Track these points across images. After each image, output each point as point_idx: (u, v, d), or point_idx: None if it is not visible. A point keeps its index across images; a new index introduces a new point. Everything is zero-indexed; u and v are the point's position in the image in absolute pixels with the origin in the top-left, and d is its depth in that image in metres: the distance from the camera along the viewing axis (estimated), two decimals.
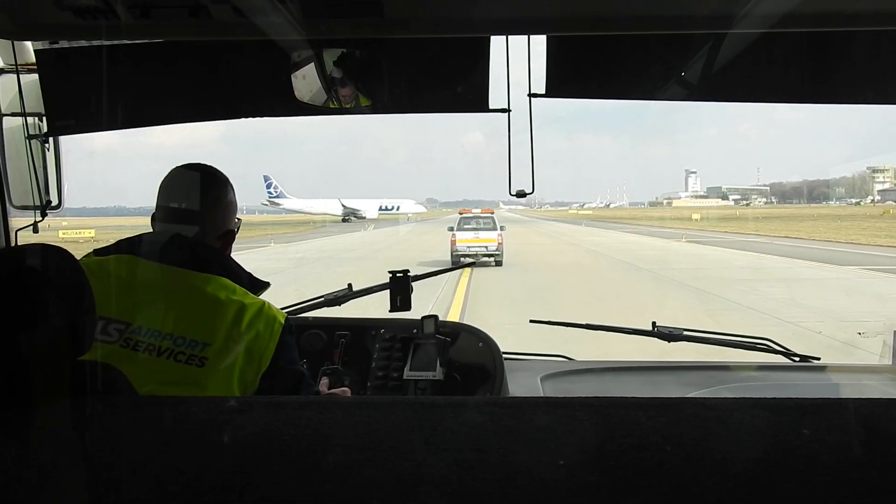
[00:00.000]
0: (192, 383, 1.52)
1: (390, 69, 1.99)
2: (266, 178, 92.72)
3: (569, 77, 2.00)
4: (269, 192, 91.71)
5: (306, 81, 1.97)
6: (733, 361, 2.65)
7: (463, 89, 2.05)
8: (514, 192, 2.05)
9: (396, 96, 2.10)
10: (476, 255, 20.47)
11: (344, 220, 76.75)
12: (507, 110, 1.99)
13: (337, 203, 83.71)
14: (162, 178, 1.77)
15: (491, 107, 2.03)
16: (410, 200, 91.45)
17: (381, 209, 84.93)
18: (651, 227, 51.44)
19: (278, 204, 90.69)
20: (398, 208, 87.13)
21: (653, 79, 2.02)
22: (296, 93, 1.97)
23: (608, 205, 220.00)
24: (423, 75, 2.08)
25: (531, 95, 1.94)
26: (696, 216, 66.77)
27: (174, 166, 1.79)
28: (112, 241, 1.74)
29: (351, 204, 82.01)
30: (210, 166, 1.80)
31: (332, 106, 2.03)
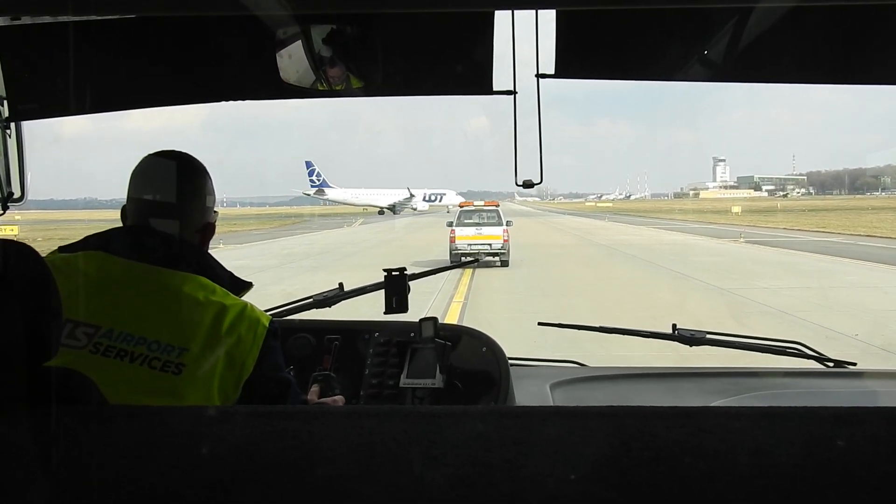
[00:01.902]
0: (168, 392, 1.53)
1: (384, 47, 1.99)
2: (308, 165, 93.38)
3: (580, 55, 2.00)
4: (312, 182, 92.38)
5: (292, 61, 1.97)
6: (761, 367, 2.66)
7: (464, 69, 2.05)
8: (520, 183, 2.06)
9: (391, 77, 2.11)
10: (478, 253, 20.02)
11: (380, 213, 78.21)
12: (513, 92, 1.99)
13: (386, 193, 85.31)
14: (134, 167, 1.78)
15: (495, 88, 2.03)
16: (452, 191, 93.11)
17: (424, 199, 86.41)
18: (689, 223, 48.64)
19: (324, 193, 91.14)
20: (441, 199, 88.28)
21: (673, 57, 2.02)
22: (281, 73, 1.97)
23: (628, 196, 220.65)
24: (420, 54, 2.09)
25: (539, 76, 1.94)
26: (736, 209, 65.53)
27: (148, 154, 1.79)
28: (42, 240, 1.74)
29: (403, 195, 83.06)
30: (186, 154, 1.81)
31: (320, 88, 2.03)
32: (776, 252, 24.29)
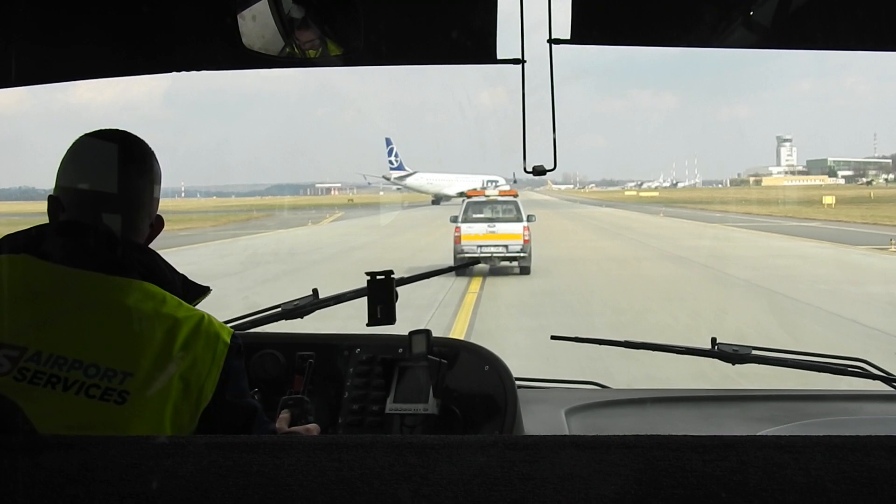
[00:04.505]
0: (110, 425, 1.55)
1: (367, 8, 2.01)
2: (388, 143, 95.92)
3: (601, 17, 2.01)
4: (391, 163, 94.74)
5: (256, 24, 1.98)
6: (816, 389, 2.69)
7: (463, 34, 2.08)
8: (529, 169, 2.09)
9: (376, 44, 2.14)
10: (491, 257, 19.28)
11: (434, 203, 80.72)
12: (521, 61, 2.02)
13: (462, 179, 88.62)
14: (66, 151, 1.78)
15: (499, 57, 2.06)
16: (501, 178, 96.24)
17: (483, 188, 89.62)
18: (775, 219, 44.64)
19: (403, 178, 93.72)
20: (494, 186, 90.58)
21: (711, 20, 2.03)
22: (244, 39, 1.99)
23: (675, 183, 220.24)
24: (410, 16, 2.11)
25: (552, 41, 1.96)
26: (828, 200, 62.98)
27: (83, 134, 1.80)
28: None
29: (470, 183, 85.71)
30: (130, 134, 1.83)
31: (291, 56, 2.05)
32: None
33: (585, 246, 28.35)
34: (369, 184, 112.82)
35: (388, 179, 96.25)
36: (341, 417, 2.36)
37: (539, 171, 2.11)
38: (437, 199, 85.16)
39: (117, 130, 1.83)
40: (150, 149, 1.84)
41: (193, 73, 2.33)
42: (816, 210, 54.35)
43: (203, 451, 1.00)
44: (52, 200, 1.79)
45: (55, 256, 1.67)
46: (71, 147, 1.79)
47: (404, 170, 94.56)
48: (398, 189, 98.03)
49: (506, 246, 19.73)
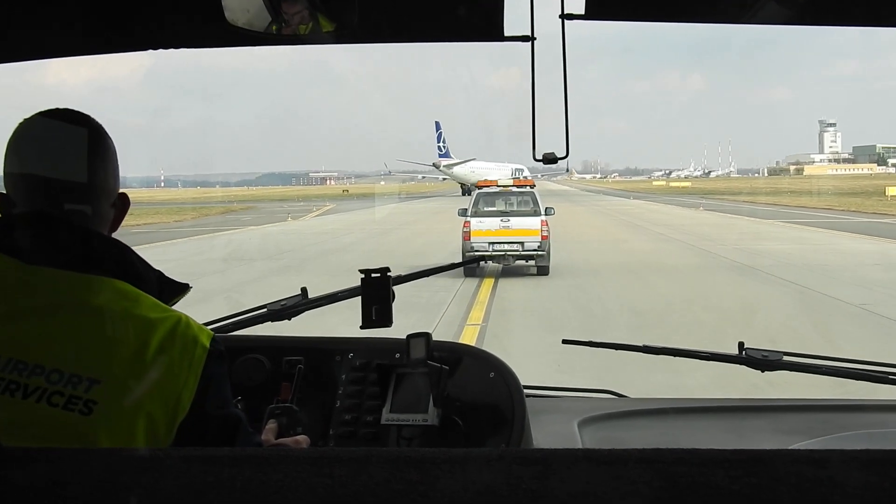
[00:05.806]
0: (75, 438, 1.54)
1: None
2: (437, 127, 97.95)
3: None
4: (439, 149, 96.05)
5: None
6: (855, 399, 2.69)
7: (467, 9, 2.07)
8: (539, 157, 2.10)
9: (373, 20, 2.14)
10: (504, 255, 18.84)
11: (464, 193, 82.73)
12: (531, 38, 2.02)
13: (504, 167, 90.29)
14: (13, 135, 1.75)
15: (507, 34, 2.07)
16: (525, 167, 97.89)
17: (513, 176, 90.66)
18: (840, 213, 41.64)
19: (452, 166, 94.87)
20: (521, 175, 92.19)
21: None
22: (226, 13, 1.99)
23: (707, 172, 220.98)
24: None
25: (565, 17, 1.96)
26: (892, 191, 61.94)
27: (25, 118, 1.77)
28: None
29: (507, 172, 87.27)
30: (73, 110, 1.81)
31: (278, 32, 2.05)
32: None
33: (620, 249, 26.17)
34: (389, 172, 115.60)
35: (437, 167, 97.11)
36: (333, 428, 2.36)
37: (550, 159, 2.11)
38: (468, 189, 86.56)
39: (60, 109, 1.81)
40: (100, 125, 1.82)
41: (175, 50, 2.34)
42: (882, 203, 51.20)
43: (182, 466, 1.00)
44: (2, 198, 1.77)
45: (17, 252, 1.66)
46: (14, 132, 1.76)
47: (451, 157, 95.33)
48: (419, 178, 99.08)
49: (521, 243, 19.12)
